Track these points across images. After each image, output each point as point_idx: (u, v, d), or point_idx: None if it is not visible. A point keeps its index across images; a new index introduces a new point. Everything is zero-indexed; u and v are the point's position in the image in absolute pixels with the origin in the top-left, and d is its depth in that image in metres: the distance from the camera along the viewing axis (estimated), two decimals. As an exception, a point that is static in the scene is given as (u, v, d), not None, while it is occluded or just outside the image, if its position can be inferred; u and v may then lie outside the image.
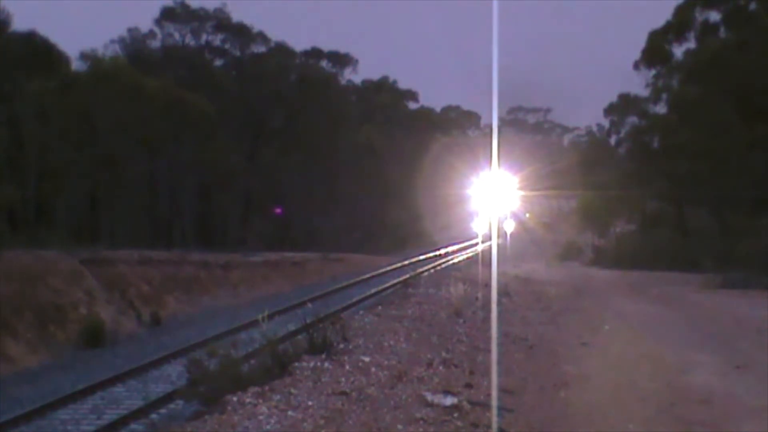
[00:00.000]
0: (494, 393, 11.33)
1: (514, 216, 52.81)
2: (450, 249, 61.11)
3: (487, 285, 32.69)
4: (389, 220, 64.49)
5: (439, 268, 43.27)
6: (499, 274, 39.25)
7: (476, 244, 47.93)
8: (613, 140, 71.50)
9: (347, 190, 62.10)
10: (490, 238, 38.99)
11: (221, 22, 67.03)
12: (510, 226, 47.80)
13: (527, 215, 72.41)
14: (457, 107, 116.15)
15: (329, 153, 60.66)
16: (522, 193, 58.98)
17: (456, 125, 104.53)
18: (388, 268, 43.46)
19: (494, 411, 10.61)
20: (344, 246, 55.84)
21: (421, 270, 40.93)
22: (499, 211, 40.82)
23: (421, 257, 51.08)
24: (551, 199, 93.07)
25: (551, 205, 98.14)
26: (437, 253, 56.23)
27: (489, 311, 23.76)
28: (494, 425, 10.04)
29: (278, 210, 59.59)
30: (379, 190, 64.47)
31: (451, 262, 50.10)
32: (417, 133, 74.61)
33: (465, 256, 56.14)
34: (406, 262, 46.84)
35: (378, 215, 65.13)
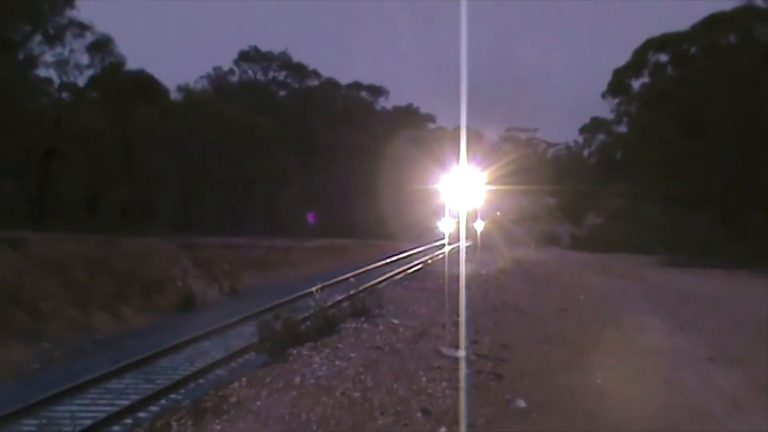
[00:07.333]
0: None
1: (483, 214, 50.35)
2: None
3: (489, 264, 32.77)
4: (411, 216, 64.33)
5: (450, 252, 43.15)
6: (498, 257, 39.28)
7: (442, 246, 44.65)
8: (586, 153, 71.44)
9: (379, 192, 62.01)
10: (458, 240, 37.15)
11: (284, 62, 68.11)
12: (480, 226, 46.23)
13: (498, 213, 70.64)
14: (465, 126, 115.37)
15: (365, 164, 60.54)
16: (492, 188, 56.85)
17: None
18: (411, 252, 43.91)
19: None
20: (377, 235, 56.17)
21: (437, 253, 41.15)
22: (473, 208, 38.51)
23: (435, 244, 51.08)
24: (529, 197, 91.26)
25: (531, 203, 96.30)
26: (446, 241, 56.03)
27: (491, 286, 23.80)
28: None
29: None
30: (403, 193, 64.35)
31: (460, 247, 49.83)
32: (432, 148, 74.01)
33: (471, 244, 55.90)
34: (425, 248, 47.28)
35: (403, 212, 64.99)
